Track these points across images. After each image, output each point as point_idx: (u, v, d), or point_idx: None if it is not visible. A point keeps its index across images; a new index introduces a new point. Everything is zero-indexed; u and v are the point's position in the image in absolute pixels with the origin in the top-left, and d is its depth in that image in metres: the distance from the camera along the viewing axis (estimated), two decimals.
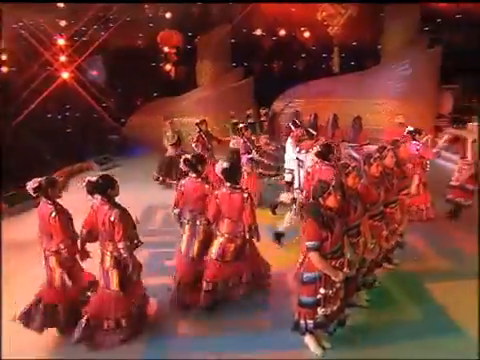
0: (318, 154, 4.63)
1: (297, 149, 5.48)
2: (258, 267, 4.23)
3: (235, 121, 8.35)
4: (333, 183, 3.20)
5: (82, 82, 11.75)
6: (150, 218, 6.81)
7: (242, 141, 7.03)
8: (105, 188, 3.51)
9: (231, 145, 7.25)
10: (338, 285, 3.24)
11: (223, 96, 11.32)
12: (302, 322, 3.34)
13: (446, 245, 5.38)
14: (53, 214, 3.58)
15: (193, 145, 7.44)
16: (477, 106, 10.64)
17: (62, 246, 3.59)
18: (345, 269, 3.23)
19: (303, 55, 13.22)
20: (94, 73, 13.09)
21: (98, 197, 3.48)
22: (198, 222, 4.16)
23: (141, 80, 11.70)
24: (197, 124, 7.65)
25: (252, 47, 12.37)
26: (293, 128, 5.93)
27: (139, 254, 3.90)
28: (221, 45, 11.88)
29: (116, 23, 11.56)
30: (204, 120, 7.71)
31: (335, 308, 3.29)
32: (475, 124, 6.84)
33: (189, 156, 4.24)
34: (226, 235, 3.97)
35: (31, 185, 3.60)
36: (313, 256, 3.14)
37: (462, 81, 12.01)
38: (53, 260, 3.66)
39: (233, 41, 12.13)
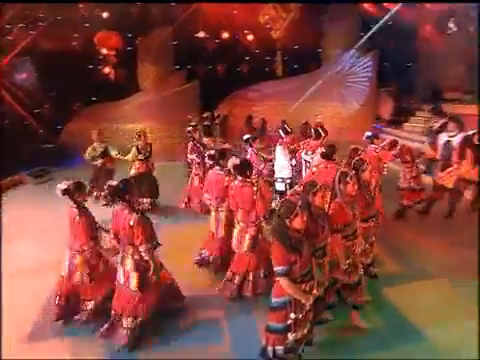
0: (323, 155, 4.86)
1: (307, 152, 5.70)
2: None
3: (194, 124, 8.14)
4: (299, 203, 3.01)
5: (7, 86, 10.70)
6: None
7: (191, 143, 7.11)
8: (124, 193, 3.63)
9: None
10: (308, 308, 3.06)
11: (167, 100, 10.97)
12: (270, 348, 3.13)
13: (397, 247, 5.51)
14: (77, 218, 3.84)
15: (188, 155, 7.19)
16: (414, 107, 11.27)
17: (85, 247, 3.90)
18: (314, 291, 3.09)
19: (247, 58, 13.20)
20: (22, 76, 11.99)
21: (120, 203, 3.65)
22: (220, 209, 4.78)
23: (78, 84, 10.91)
24: (189, 132, 7.35)
25: (195, 49, 12.08)
26: (283, 135, 5.99)
27: None
28: (163, 47, 11.48)
29: (45, 22, 10.66)
30: (145, 133, 7.24)
31: (305, 331, 3.14)
32: (411, 124, 7.30)
33: (213, 151, 4.86)
34: (241, 224, 4.34)
35: (60, 187, 3.89)
36: (282, 281, 2.97)
37: (397, 83, 12.73)
38: (78, 259, 3.93)
39: (175, 43, 11.77)
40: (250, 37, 12.31)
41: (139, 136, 6.94)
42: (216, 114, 10.31)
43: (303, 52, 12.41)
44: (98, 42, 11.44)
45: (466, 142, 5.93)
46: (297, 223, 2.99)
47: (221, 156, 4.84)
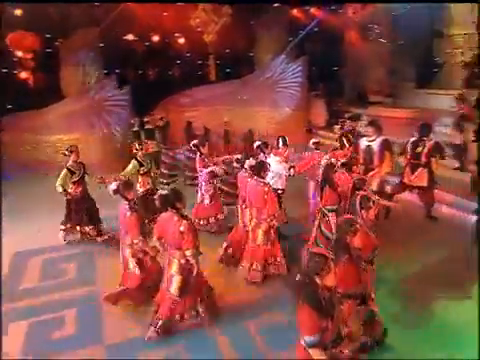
0: (344, 164, 4.82)
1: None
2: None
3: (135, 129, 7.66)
4: (331, 256, 2.61)
5: None
6: (21, 271, 5.23)
7: (199, 157, 6.55)
8: (174, 201, 3.83)
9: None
10: None
11: (97, 108, 10.23)
12: None
13: None
14: (128, 214, 4.17)
15: (199, 169, 6.33)
16: (343, 110, 11.75)
17: (135, 241, 4.16)
18: (346, 351, 2.63)
19: (178, 62, 12.83)
20: None
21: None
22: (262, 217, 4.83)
23: None
24: (195, 145, 6.41)
25: (124, 53, 11.43)
26: (281, 145, 6.01)
27: (15, 329, 3.49)
28: (88, 50, 10.63)
29: None
30: (76, 147, 6.36)
31: None
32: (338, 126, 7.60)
33: (253, 162, 4.92)
34: (254, 220, 4.75)
35: (111, 187, 4.29)
36: (314, 352, 2.51)
37: (326, 87, 13.25)
38: (127, 251, 4.31)
39: (102, 46, 11.00)
40: (181, 40, 11.98)
41: (71, 152, 6.07)
42: (159, 117, 9.98)
43: (236, 56, 12.41)
44: (11, 43, 10.29)
45: (385, 146, 6.18)
46: (329, 280, 2.55)
47: (260, 167, 4.88)
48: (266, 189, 4.64)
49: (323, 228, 4.60)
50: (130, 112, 10.50)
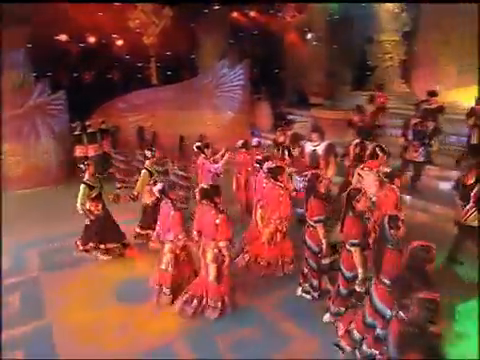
0: (388, 175, 4.77)
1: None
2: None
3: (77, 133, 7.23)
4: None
5: None
6: None
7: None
8: (213, 195, 4.19)
9: None
10: None
11: (27, 114, 9.44)
12: None
13: None
14: (172, 212, 4.42)
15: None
16: (286, 112, 12.04)
17: (180, 237, 4.39)
18: None
19: (116, 64, 12.30)
20: None
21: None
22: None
23: None
24: (198, 147, 6.58)
25: (56, 55, 10.67)
26: (287, 157, 6.21)
27: None
28: (14, 51, 9.74)
29: None
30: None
31: None
32: (280, 129, 7.81)
33: (273, 166, 5.11)
34: (266, 219, 4.96)
35: (157, 187, 4.64)
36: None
37: (267, 90, 13.49)
38: (166, 248, 4.53)
39: (30, 46, 10.14)
40: (120, 42, 11.49)
41: (88, 165, 5.64)
42: (101, 120, 9.69)
43: (178, 59, 12.19)
44: None
45: (330, 150, 6.45)
46: (438, 327, 2.53)
47: (278, 171, 5.08)
48: (282, 192, 4.91)
49: (309, 241, 4.46)
50: (67, 117, 9.86)
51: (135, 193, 5.75)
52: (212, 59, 11.69)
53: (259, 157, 5.71)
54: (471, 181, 4.92)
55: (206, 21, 11.66)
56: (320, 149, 6.53)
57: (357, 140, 6.72)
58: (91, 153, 9.61)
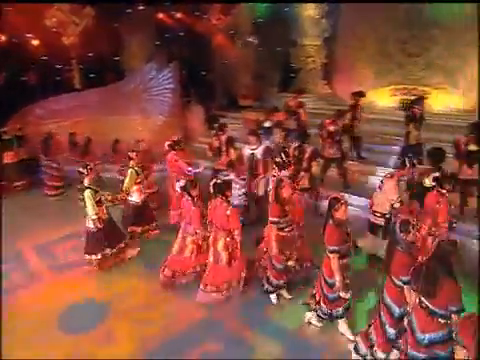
0: (435, 179, 4.77)
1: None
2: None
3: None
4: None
5: None
6: None
7: None
8: (224, 190, 4.70)
9: None
10: None
11: None
12: None
13: None
14: (193, 208, 4.90)
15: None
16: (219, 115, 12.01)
17: (198, 231, 4.93)
18: None
19: (32, 66, 11.28)
20: None
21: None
22: None
23: None
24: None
25: None
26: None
27: None
28: None
29: None
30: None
31: None
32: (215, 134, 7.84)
33: (287, 174, 5.47)
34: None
35: (180, 184, 5.39)
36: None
37: (196, 93, 13.39)
38: (188, 240, 5.04)
39: None
40: (35, 42, 10.55)
41: (90, 169, 5.49)
42: (18, 127, 9.27)
43: (101, 61, 11.54)
44: None
45: (268, 153, 6.51)
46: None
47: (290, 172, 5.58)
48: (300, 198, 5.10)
49: (323, 270, 4.17)
50: None
51: (125, 192, 5.92)
52: (138, 61, 11.30)
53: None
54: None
55: (131, 21, 11.21)
56: (258, 152, 6.61)
57: (296, 143, 6.82)
58: (7, 160, 9.10)
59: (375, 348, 3.60)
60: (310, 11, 12.45)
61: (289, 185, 4.58)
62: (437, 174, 4.84)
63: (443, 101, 10.89)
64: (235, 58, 12.75)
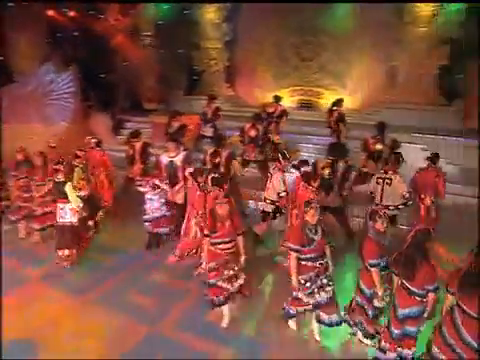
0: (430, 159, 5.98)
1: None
2: None
3: None
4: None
5: None
6: None
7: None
8: (222, 183, 5.31)
9: None
10: None
11: None
12: None
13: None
14: (198, 192, 5.39)
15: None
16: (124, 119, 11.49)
17: (200, 212, 5.37)
18: None
19: None
20: None
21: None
22: None
23: None
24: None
25: None
26: (282, 159, 5.95)
27: None
28: None
29: None
30: None
31: None
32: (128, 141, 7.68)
33: (309, 169, 5.73)
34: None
35: (189, 170, 5.78)
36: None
37: (96, 97, 12.58)
38: (192, 221, 5.53)
39: None
40: None
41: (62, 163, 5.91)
42: None
43: None
44: None
45: (189, 160, 6.34)
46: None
47: (310, 175, 5.70)
48: (312, 197, 5.19)
49: (362, 285, 4.10)
50: None
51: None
52: (30, 62, 10.10)
53: (295, 162, 6.07)
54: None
55: (16, 18, 9.95)
56: (178, 160, 6.34)
57: (212, 149, 6.81)
58: None
59: (364, 326, 3.94)
60: (211, 14, 12.69)
61: (228, 203, 4.40)
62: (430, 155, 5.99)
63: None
64: (137, 60, 12.32)
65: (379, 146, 7.23)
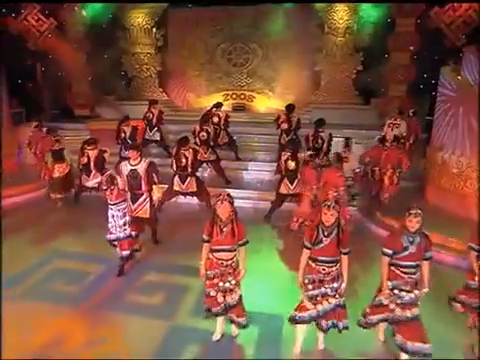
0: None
1: None
2: None
3: None
4: None
5: None
6: None
7: None
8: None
9: None
10: None
11: None
12: None
13: None
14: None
15: None
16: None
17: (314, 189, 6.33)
18: None
19: None
20: None
21: None
22: None
23: None
24: None
25: None
26: None
27: None
28: None
29: None
30: None
31: None
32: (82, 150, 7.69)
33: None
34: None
35: (307, 153, 7.03)
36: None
37: (21, 103, 11.61)
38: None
39: None
40: None
41: None
42: None
43: None
44: None
45: (152, 169, 5.91)
46: None
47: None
48: (338, 174, 6.13)
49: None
50: None
51: None
52: None
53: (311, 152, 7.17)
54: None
55: None
56: (141, 168, 5.83)
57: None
58: None
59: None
60: (140, 20, 12.66)
61: (231, 203, 3.81)
62: None
63: (265, 103, 13.15)
64: (66, 64, 11.70)
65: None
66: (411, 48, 10.76)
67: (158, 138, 9.81)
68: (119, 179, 5.45)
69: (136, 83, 13.33)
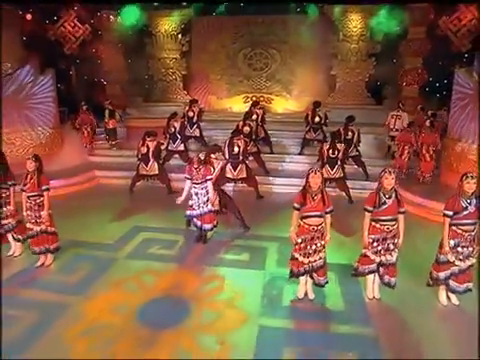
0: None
1: None
2: None
3: None
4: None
5: None
6: None
7: None
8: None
9: None
10: None
11: None
12: None
13: None
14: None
15: None
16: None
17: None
18: None
19: None
20: None
21: None
22: None
23: None
24: None
25: None
26: None
27: None
28: None
29: None
30: None
31: None
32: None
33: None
34: None
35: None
36: None
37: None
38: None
39: None
40: None
41: None
42: None
43: None
44: None
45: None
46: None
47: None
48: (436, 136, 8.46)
49: None
50: None
51: None
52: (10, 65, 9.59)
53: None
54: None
55: None
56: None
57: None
58: None
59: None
60: (167, 27, 13.59)
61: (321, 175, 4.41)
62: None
63: (283, 105, 14.18)
64: (103, 68, 12.54)
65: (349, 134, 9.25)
66: (422, 54, 12.00)
67: (197, 134, 10.64)
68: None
69: (162, 86, 14.19)
